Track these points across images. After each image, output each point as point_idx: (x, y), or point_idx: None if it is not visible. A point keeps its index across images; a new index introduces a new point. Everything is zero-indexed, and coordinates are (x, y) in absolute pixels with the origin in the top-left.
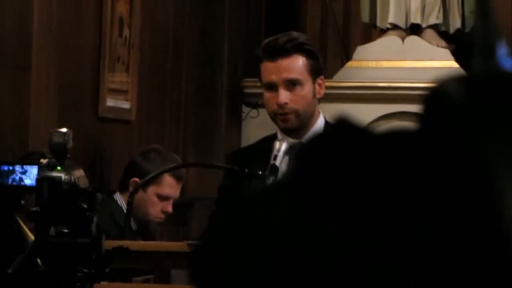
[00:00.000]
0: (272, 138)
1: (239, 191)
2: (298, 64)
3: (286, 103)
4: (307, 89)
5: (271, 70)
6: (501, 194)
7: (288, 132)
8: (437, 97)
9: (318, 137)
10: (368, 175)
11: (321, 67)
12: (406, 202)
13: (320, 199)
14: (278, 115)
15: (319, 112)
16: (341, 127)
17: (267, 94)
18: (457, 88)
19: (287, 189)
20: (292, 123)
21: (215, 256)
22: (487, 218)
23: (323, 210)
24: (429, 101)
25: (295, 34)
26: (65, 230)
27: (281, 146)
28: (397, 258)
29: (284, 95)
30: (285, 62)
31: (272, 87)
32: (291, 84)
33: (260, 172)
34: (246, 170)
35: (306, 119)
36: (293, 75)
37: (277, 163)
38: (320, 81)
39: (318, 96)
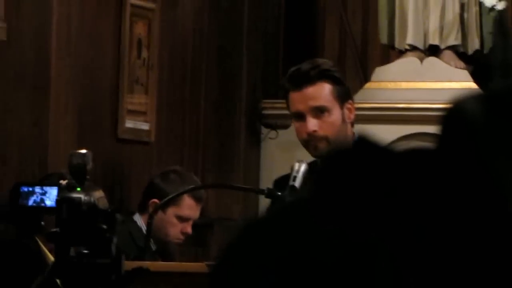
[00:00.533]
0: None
1: None
2: (323, 91)
3: (315, 131)
4: (335, 115)
5: (297, 99)
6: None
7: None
8: (455, 115)
9: (337, 155)
10: (387, 194)
11: (349, 92)
12: (414, 210)
13: (338, 215)
14: (309, 143)
15: (354, 135)
16: (361, 145)
17: (296, 124)
18: (475, 106)
19: (304, 207)
20: (323, 150)
21: (235, 275)
22: (497, 233)
23: (345, 229)
24: (448, 120)
25: (319, 61)
26: (85, 251)
27: (300, 167)
28: (397, 259)
29: (312, 123)
30: (310, 90)
31: (300, 116)
32: (319, 112)
33: (279, 193)
34: (266, 191)
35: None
36: (319, 103)
37: (296, 184)
38: (349, 106)
39: (348, 120)
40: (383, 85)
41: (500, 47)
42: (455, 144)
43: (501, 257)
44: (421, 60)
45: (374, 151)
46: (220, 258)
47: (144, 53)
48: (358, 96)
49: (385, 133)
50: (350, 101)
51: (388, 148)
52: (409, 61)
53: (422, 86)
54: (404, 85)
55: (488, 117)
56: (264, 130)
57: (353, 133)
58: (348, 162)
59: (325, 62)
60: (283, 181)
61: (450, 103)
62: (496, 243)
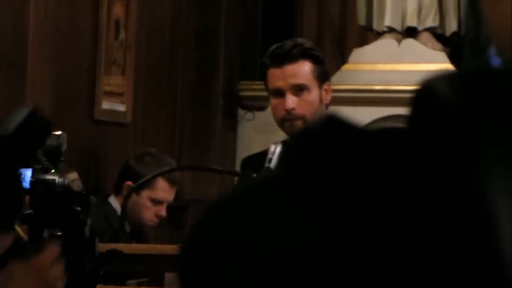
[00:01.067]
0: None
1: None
2: (304, 69)
3: (293, 109)
4: (314, 94)
5: (278, 76)
6: (493, 200)
7: None
8: (425, 96)
9: (307, 134)
10: (360, 173)
11: (327, 73)
12: (403, 203)
13: (314, 198)
14: (285, 121)
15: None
16: (330, 124)
17: (274, 101)
18: (445, 87)
19: (279, 186)
20: (299, 129)
21: (205, 257)
22: (479, 225)
23: (319, 209)
24: (417, 101)
25: (301, 40)
26: (59, 233)
27: (276, 149)
28: (396, 259)
29: (291, 100)
30: (291, 68)
31: (279, 93)
32: (298, 90)
33: (254, 175)
34: (240, 173)
35: None
36: (300, 80)
37: (272, 165)
38: (326, 87)
39: (324, 101)
40: (360, 66)
41: (472, 28)
42: (426, 125)
43: (489, 254)
44: (399, 41)
45: (344, 129)
46: (187, 239)
47: (122, 34)
48: (335, 78)
49: (362, 115)
50: (327, 83)
51: (359, 127)
52: (386, 43)
53: (400, 68)
54: (381, 67)
55: (458, 97)
56: (240, 112)
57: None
58: (319, 140)
59: (306, 42)
60: (251, 161)
61: (419, 83)
62: (480, 241)
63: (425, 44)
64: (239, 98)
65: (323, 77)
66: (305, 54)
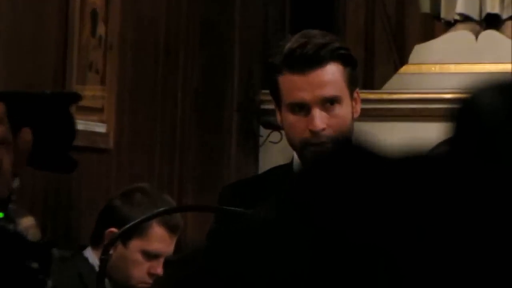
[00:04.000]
0: (285, 168)
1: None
2: (335, 76)
3: (323, 129)
4: (346, 108)
5: (300, 85)
6: None
7: None
8: (468, 111)
9: (317, 163)
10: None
11: (357, 77)
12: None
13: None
14: (310, 145)
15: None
16: (346, 150)
17: (292, 118)
18: (494, 99)
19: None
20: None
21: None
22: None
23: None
24: (459, 116)
25: (320, 33)
26: None
27: None
28: (397, 261)
29: (320, 119)
30: (319, 75)
31: (301, 108)
32: (328, 103)
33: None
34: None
35: None
36: (331, 92)
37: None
38: (356, 95)
39: (355, 115)
40: (426, 68)
41: None
42: (465, 148)
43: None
44: (476, 34)
45: (361, 160)
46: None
47: (101, 29)
48: (391, 84)
49: (429, 133)
50: (357, 90)
51: (381, 155)
52: (459, 36)
53: (478, 69)
54: (453, 68)
55: (509, 112)
56: (263, 131)
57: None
58: (330, 178)
59: (329, 36)
60: (236, 190)
61: (462, 93)
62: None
63: (511, 37)
64: (260, 112)
65: (354, 82)
66: (335, 55)
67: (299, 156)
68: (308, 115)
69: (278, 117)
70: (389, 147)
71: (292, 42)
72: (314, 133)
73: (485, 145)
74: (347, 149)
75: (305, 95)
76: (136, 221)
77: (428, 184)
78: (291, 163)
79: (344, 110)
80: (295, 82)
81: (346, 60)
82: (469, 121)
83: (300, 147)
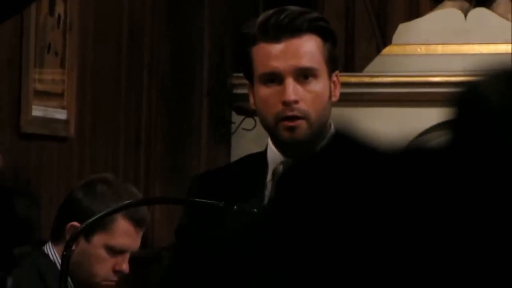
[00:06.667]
0: (259, 157)
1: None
2: (312, 47)
3: (296, 101)
4: (323, 84)
5: (274, 54)
6: None
7: (292, 147)
8: (469, 100)
9: (309, 160)
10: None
11: (338, 58)
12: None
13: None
14: (282, 120)
15: (330, 124)
16: (339, 145)
17: (265, 91)
18: (495, 87)
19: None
20: (302, 133)
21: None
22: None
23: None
24: (459, 106)
25: (297, 7)
26: None
27: (278, 170)
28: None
29: (293, 89)
30: (295, 44)
31: (274, 78)
32: (302, 76)
33: (255, 210)
34: (236, 207)
35: (319, 131)
36: (306, 63)
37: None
38: (335, 78)
39: (334, 98)
40: (411, 49)
41: None
42: (470, 140)
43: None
44: (465, 12)
45: (355, 154)
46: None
47: (59, 8)
48: (374, 66)
49: (415, 119)
50: (337, 72)
51: (376, 150)
52: (447, 14)
53: (467, 50)
54: (441, 49)
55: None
56: (235, 118)
57: (330, 123)
58: (323, 173)
59: (310, 10)
60: (204, 181)
61: (463, 82)
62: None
63: (503, 16)
64: (232, 97)
65: (334, 62)
66: (314, 27)
67: (273, 137)
68: (281, 86)
69: (251, 99)
70: (379, 137)
71: (267, 12)
72: (287, 105)
73: (489, 136)
74: (339, 145)
75: (279, 64)
76: (100, 214)
77: (433, 181)
78: (265, 151)
79: (320, 86)
80: (269, 51)
81: (325, 34)
82: (472, 112)
83: (271, 123)
